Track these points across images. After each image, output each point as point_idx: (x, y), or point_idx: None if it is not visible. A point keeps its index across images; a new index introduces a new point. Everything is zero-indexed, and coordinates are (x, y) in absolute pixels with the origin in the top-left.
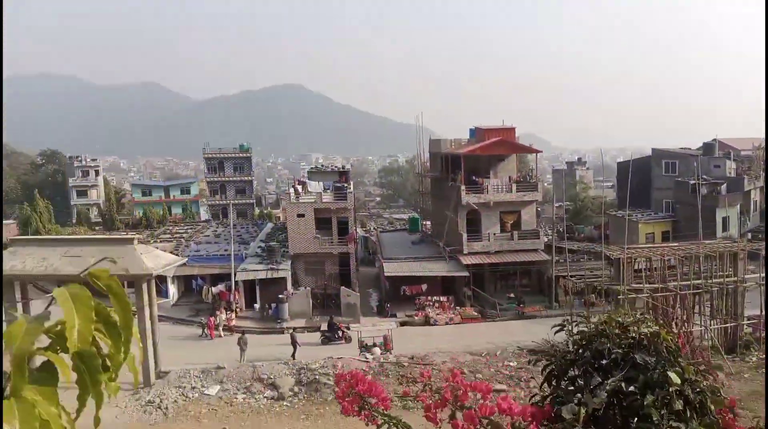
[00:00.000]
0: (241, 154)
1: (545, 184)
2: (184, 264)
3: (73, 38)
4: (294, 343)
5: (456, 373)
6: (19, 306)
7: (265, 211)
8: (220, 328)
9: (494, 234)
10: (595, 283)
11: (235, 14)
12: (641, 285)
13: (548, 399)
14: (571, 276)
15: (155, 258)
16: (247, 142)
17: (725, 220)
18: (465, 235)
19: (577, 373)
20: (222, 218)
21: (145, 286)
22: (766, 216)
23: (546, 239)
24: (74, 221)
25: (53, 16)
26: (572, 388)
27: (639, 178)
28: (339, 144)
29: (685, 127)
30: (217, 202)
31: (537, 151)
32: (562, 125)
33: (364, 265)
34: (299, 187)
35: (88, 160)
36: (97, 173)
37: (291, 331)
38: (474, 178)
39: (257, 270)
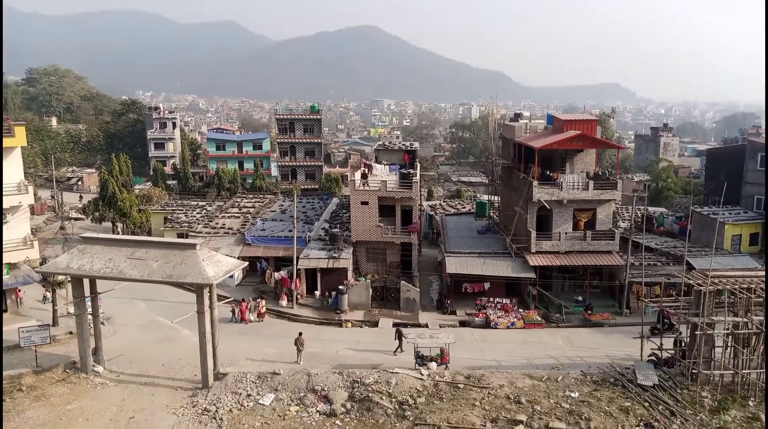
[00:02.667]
0: (311, 116)
1: (627, 143)
2: (249, 244)
3: None
4: (400, 338)
5: None
6: (88, 301)
7: (332, 177)
8: (254, 314)
9: (566, 233)
10: (672, 309)
11: None
12: (722, 318)
13: None
14: (646, 284)
15: (216, 264)
16: (317, 104)
17: None
18: (534, 233)
19: None
20: (291, 179)
21: (206, 291)
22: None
23: (621, 227)
24: (151, 172)
25: None
26: None
27: (730, 168)
28: (412, 88)
29: None
30: (287, 163)
31: (619, 147)
32: (648, 74)
33: (427, 244)
34: (365, 170)
35: (166, 112)
36: (174, 125)
37: (397, 327)
38: (548, 172)
39: (319, 258)
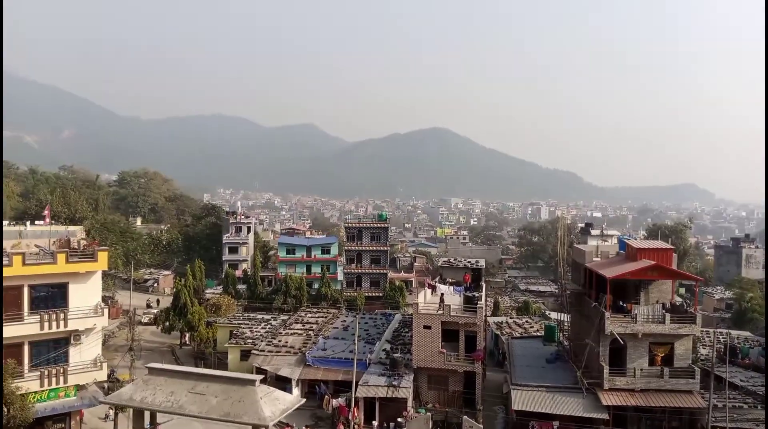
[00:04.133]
0: (378, 224)
1: (706, 250)
2: (309, 365)
3: (242, 82)
4: None
5: None
6: None
7: (396, 285)
8: None
9: (641, 369)
10: None
11: (387, 56)
12: None
13: None
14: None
15: (273, 403)
16: (385, 211)
17: None
18: (606, 369)
19: None
20: (356, 286)
21: None
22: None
23: (702, 355)
24: (223, 276)
25: (225, 60)
26: None
27: None
28: (480, 188)
29: None
30: (353, 270)
31: (697, 279)
32: (728, 174)
33: (492, 365)
34: (429, 292)
35: (242, 217)
36: (249, 230)
37: None
38: (621, 303)
39: (378, 385)
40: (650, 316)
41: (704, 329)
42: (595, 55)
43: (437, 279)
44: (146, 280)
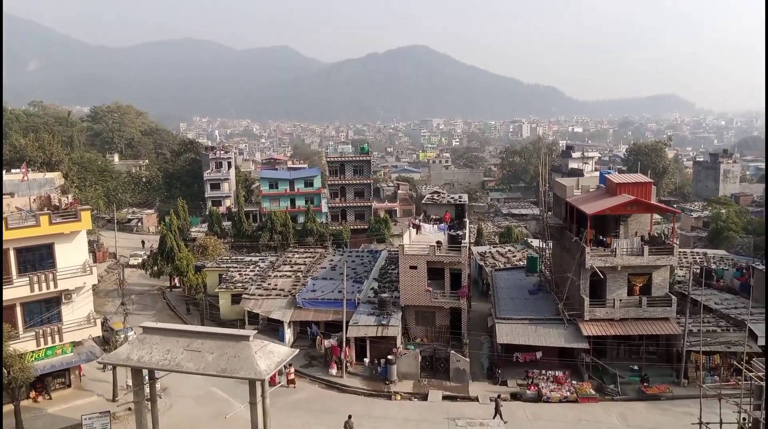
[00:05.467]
0: (361, 158)
1: (685, 161)
2: (300, 307)
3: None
4: (498, 408)
5: None
6: (147, 387)
7: (381, 217)
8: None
9: (620, 299)
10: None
11: None
12: None
13: None
14: (705, 352)
15: (268, 356)
16: (366, 144)
17: None
18: (587, 301)
19: None
20: (341, 220)
21: (258, 383)
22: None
23: (678, 276)
24: (207, 213)
25: None
26: None
27: None
28: (462, 106)
29: None
30: (337, 204)
31: (676, 212)
32: (707, 84)
33: (477, 295)
34: (414, 231)
35: (221, 152)
36: (229, 165)
37: (496, 398)
38: (601, 237)
39: (368, 325)
40: (629, 249)
41: (682, 249)
42: None
43: (421, 217)
44: (129, 220)
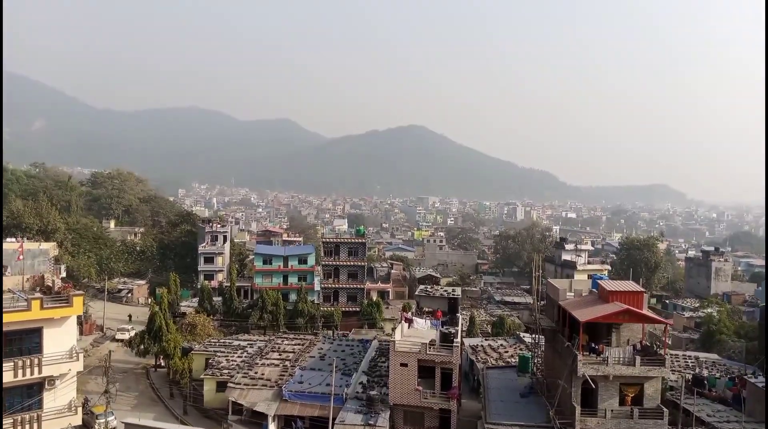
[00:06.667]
0: (356, 240)
1: (677, 254)
2: (286, 400)
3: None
4: None
5: None
6: None
7: (373, 301)
8: None
9: (611, 410)
10: None
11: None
12: None
13: None
14: None
15: None
16: (363, 226)
17: None
18: (578, 410)
19: None
20: (333, 301)
21: None
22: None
23: (671, 381)
24: (198, 286)
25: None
26: None
27: None
28: (457, 186)
29: None
30: (330, 285)
31: (667, 323)
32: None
33: (467, 391)
34: (406, 325)
35: (218, 226)
36: (225, 239)
37: None
38: (593, 344)
39: (354, 424)
40: (621, 359)
41: (674, 352)
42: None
43: (414, 309)
44: (120, 290)
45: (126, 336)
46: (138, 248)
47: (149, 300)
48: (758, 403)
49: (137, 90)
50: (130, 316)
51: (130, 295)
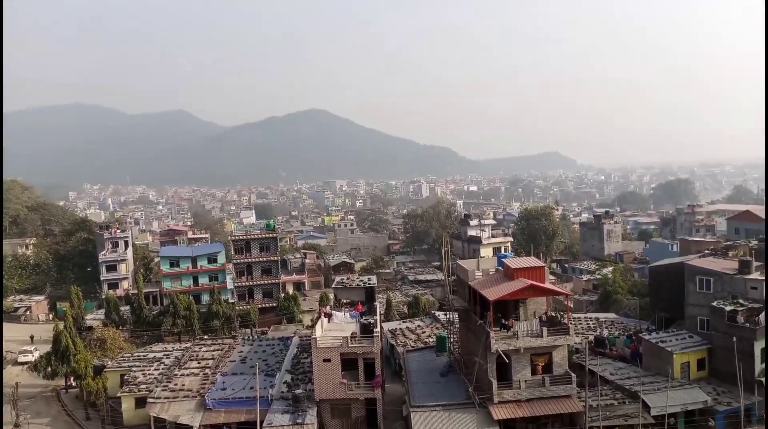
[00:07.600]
0: (267, 235)
1: (572, 217)
2: (210, 409)
3: (102, 68)
4: None
5: None
6: None
7: (290, 295)
8: None
9: (525, 380)
10: None
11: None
12: None
13: None
14: (604, 427)
15: None
16: (273, 218)
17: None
18: (495, 383)
19: None
20: (248, 299)
21: None
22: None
23: (575, 345)
24: (103, 297)
25: (83, 44)
26: None
27: (673, 284)
28: (363, 168)
29: (697, 141)
30: (244, 283)
31: (567, 294)
32: (586, 141)
33: (389, 374)
34: (326, 320)
35: (117, 232)
36: (126, 245)
37: None
38: (502, 319)
39: (283, 425)
40: (530, 331)
41: (576, 315)
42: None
43: (331, 303)
44: (16, 309)
45: (30, 358)
46: (32, 261)
47: (51, 316)
48: (653, 357)
49: (8, 87)
50: (32, 337)
51: (28, 312)
